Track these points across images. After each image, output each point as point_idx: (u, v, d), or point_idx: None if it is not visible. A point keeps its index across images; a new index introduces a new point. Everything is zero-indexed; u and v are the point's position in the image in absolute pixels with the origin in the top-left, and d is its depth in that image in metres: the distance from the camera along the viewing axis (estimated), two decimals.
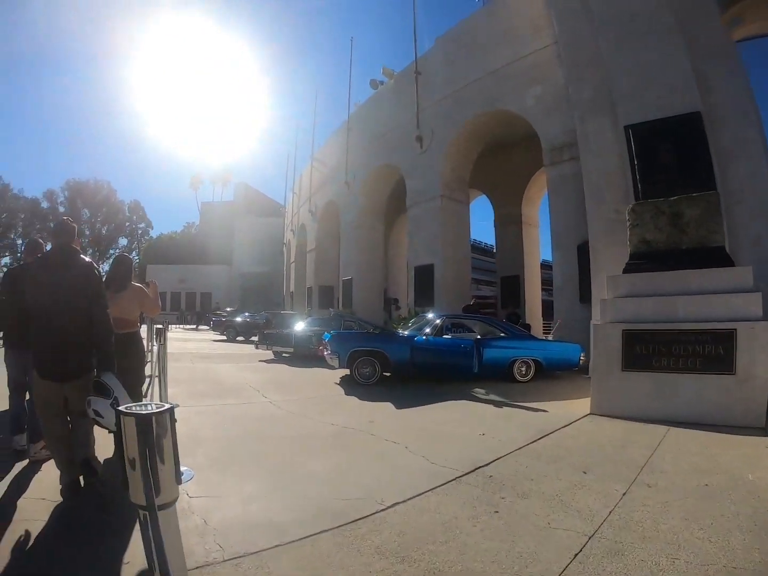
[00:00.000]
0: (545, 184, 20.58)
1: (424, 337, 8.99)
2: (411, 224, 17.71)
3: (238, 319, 22.63)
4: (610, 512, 3.13)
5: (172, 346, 15.98)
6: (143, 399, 4.87)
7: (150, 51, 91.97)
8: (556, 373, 9.56)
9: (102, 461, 3.72)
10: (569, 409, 6.52)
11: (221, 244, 48.31)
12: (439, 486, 3.58)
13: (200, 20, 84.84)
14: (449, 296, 15.75)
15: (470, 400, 7.30)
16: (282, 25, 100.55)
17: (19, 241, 55.57)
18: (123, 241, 64.65)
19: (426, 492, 3.45)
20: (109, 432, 2.94)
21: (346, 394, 7.78)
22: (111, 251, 62.27)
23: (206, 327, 31.88)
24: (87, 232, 60.24)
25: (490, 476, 3.80)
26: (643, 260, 6.79)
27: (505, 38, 13.82)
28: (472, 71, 14.92)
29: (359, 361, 8.70)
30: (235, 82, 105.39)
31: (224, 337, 20.38)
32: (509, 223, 20.89)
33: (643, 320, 6.35)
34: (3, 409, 4.45)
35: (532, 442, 4.83)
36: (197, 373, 9.66)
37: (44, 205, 59.67)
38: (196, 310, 40.94)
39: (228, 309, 34.90)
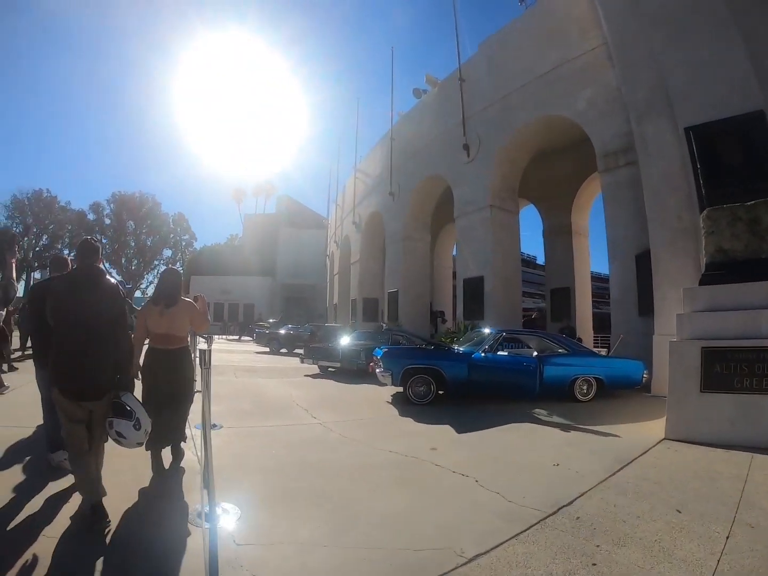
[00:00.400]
0: (595, 192, 20.72)
1: (482, 354, 8.48)
2: (459, 235, 17.21)
3: (282, 331, 22.40)
4: (719, 561, 2.76)
5: (214, 358, 15.93)
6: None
7: (195, 66, 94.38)
8: (614, 392, 8.94)
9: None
10: (641, 433, 6.05)
11: (264, 256, 48.69)
12: (523, 531, 3.17)
13: (243, 36, 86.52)
14: (499, 309, 15.26)
15: (534, 423, 6.80)
16: (323, 38, 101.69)
17: (66, 252, 57.05)
18: (167, 253, 65.82)
19: (510, 540, 3.05)
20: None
21: (401, 415, 7.34)
22: (155, 262, 63.53)
23: (249, 338, 31.91)
24: (132, 244, 61.68)
25: (578, 518, 3.39)
26: (720, 271, 6.24)
27: (550, 41, 13.43)
28: (519, 76, 14.53)
29: (413, 379, 8.25)
30: (277, 94, 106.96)
31: (267, 349, 20.12)
32: (559, 232, 20.23)
33: (723, 336, 5.82)
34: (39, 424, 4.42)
35: (613, 474, 4.39)
36: (241, 388, 9.44)
37: (90, 216, 61.12)
38: (238, 321, 41.14)
39: (271, 320, 34.89)
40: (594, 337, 20.92)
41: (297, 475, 4.32)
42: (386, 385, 8.55)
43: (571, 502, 3.66)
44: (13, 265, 4.08)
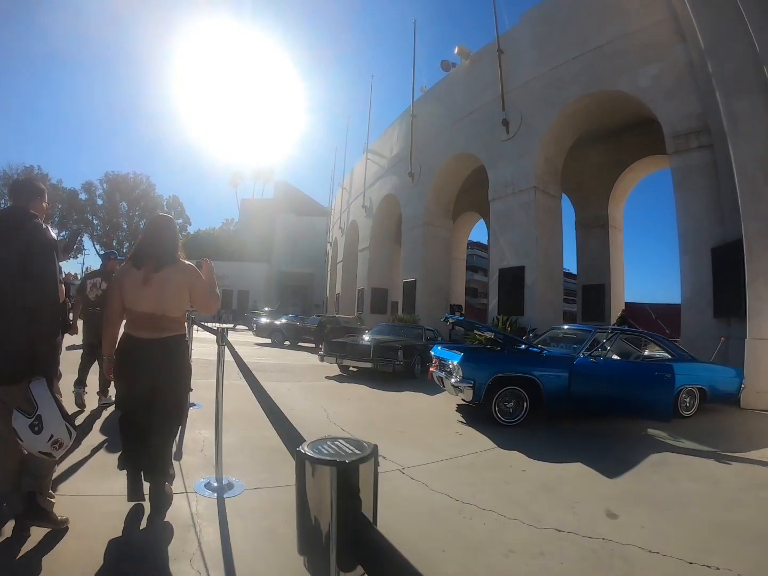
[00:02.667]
0: (632, 184, 18.98)
1: (590, 359, 6.29)
2: (494, 221, 14.96)
3: (283, 320, 19.97)
4: None
5: (210, 351, 13.42)
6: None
7: (194, 47, 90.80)
8: (705, 406, 7.33)
9: None
10: None
11: (261, 242, 46.27)
12: None
13: (245, 15, 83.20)
14: (542, 303, 13.47)
15: (674, 452, 5.08)
16: (332, 14, 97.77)
17: (55, 231, 54.08)
18: None
19: None
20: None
21: (500, 446, 5.10)
22: None
23: (245, 327, 29.48)
24: (125, 226, 58.90)
25: None
26: None
27: (607, 14, 12.06)
28: (569, 49, 12.95)
29: (501, 392, 6.08)
30: (281, 78, 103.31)
31: (269, 341, 17.62)
32: (593, 226, 18.40)
33: None
34: None
35: None
36: (253, 399, 6.81)
37: (82, 196, 58.28)
38: (233, 309, 38.63)
39: (266, 309, 32.47)
40: None
41: None
42: (464, 399, 6.33)
43: None
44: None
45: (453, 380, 6.21)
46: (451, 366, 6.47)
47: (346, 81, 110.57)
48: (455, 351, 6.66)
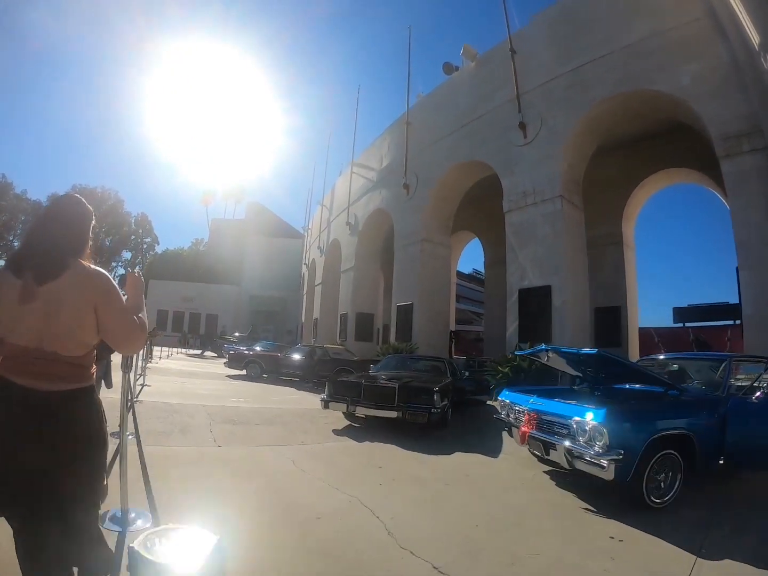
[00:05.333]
0: (643, 199, 17.26)
1: (748, 398, 4.60)
2: (512, 235, 12.71)
3: (257, 348, 17.11)
4: None
5: (173, 386, 10.26)
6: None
7: (166, 63, 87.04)
8: None
9: None
10: None
11: (231, 264, 43.11)
12: None
13: (222, 26, 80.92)
14: (574, 328, 11.40)
15: None
16: (316, 28, 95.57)
17: (17, 244, 50.24)
18: (127, 255, 59.20)
19: None
20: None
21: (709, 556, 2.88)
22: (113, 264, 56.89)
23: (214, 354, 26.35)
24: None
25: None
26: None
27: (635, 11, 10.94)
28: (594, 48, 11.58)
29: (655, 461, 4.00)
30: (256, 91, 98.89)
31: (243, 373, 14.58)
32: (606, 244, 16.28)
33: None
34: None
35: None
36: (246, 494, 3.87)
37: None
38: (200, 334, 35.30)
39: (236, 334, 29.48)
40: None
41: None
42: (603, 476, 3.91)
43: None
44: None
45: (583, 450, 3.88)
46: (574, 426, 4.12)
47: (327, 95, 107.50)
48: (572, 402, 4.40)
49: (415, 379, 7.14)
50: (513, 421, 5.18)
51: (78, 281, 1.78)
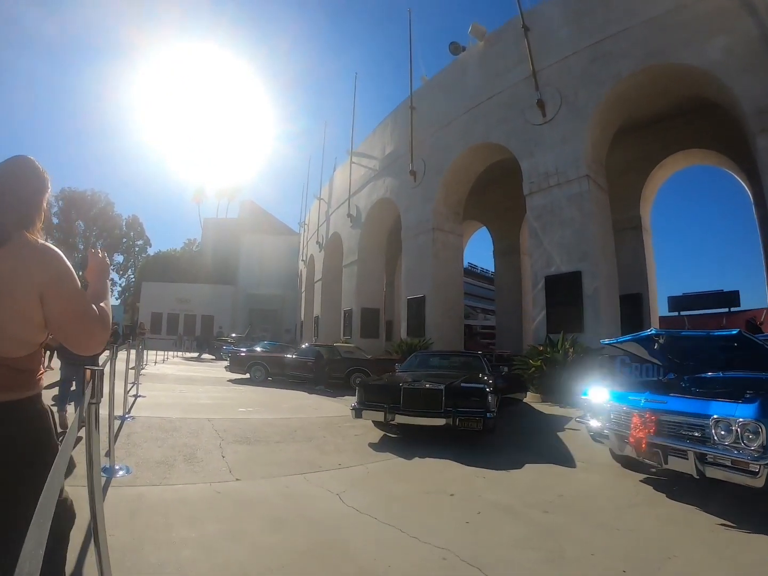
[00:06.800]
0: (660, 181, 16.22)
1: None
2: (534, 219, 11.78)
3: (257, 349, 16.05)
4: None
5: (172, 395, 9.16)
6: None
7: (157, 60, 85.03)
8: None
9: None
10: None
11: (225, 263, 41.67)
12: None
13: (206, 13, 79.26)
14: (608, 316, 10.57)
15: None
16: (308, 18, 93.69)
17: None
18: (119, 258, 57.41)
19: None
20: None
21: None
22: None
23: (212, 356, 25.16)
24: (81, 247, 52.98)
25: None
26: None
27: None
28: (616, 22, 10.81)
29: None
30: (246, 87, 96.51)
31: (246, 376, 13.46)
32: (625, 228, 15.35)
33: None
34: None
35: None
36: (294, 553, 2.71)
37: None
38: (196, 336, 34.00)
39: (234, 335, 28.33)
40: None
41: None
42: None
43: None
44: None
45: (724, 454, 3.17)
46: (712, 426, 3.31)
47: (321, 85, 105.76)
48: (705, 398, 3.61)
49: (459, 378, 6.06)
50: (613, 425, 4.21)
51: (20, 259, 1.41)
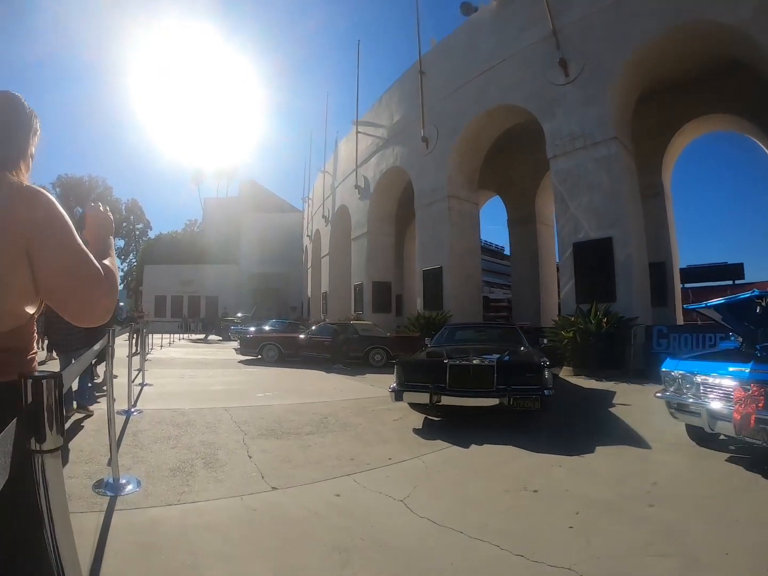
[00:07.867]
0: (680, 148, 15.79)
1: None
2: (559, 183, 11.11)
3: (266, 328, 15.58)
4: None
5: (180, 383, 8.50)
6: None
7: (152, 42, 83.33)
8: None
9: None
10: None
11: (227, 243, 40.96)
12: None
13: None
14: (640, 285, 10.11)
15: None
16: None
17: None
18: (120, 243, 56.59)
19: None
20: None
21: None
22: None
23: (219, 337, 24.68)
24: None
25: None
26: None
27: None
28: None
29: None
30: (243, 64, 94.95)
31: (254, 357, 12.85)
32: (647, 195, 14.58)
33: None
34: None
35: None
36: None
37: None
38: (201, 317, 33.51)
39: (240, 314, 27.83)
40: None
41: None
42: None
43: None
44: None
45: None
46: None
47: (322, 58, 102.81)
48: None
49: (504, 354, 5.47)
50: (701, 399, 3.68)
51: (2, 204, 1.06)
